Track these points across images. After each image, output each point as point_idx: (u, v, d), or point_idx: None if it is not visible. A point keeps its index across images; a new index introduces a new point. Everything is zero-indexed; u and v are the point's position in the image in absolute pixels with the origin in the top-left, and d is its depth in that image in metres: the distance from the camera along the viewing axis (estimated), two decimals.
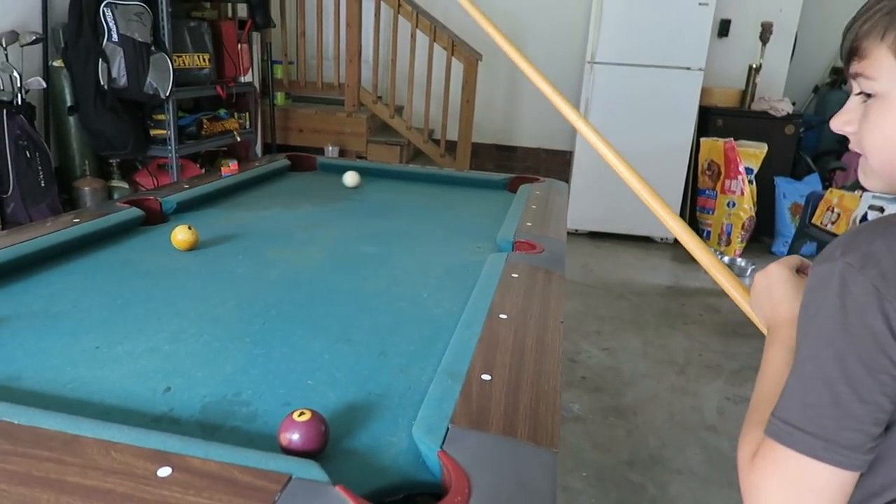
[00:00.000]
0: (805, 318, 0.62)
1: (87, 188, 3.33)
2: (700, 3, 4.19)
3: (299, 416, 0.77)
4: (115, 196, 3.47)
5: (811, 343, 0.60)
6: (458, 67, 4.43)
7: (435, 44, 4.39)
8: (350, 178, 2.27)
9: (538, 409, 0.85)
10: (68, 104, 3.24)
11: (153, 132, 3.52)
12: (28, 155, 2.97)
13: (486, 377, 0.91)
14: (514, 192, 2.26)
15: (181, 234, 1.50)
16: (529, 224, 1.75)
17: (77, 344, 1.04)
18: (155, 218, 1.75)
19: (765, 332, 0.77)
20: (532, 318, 1.15)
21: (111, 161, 3.52)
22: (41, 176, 3.03)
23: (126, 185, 3.56)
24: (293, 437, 0.75)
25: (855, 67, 0.64)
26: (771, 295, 0.76)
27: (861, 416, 0.57)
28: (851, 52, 0.64)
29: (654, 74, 4.36)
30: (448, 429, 0.79)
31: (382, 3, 4.39)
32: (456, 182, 2.46)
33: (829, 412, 0.57)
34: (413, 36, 4.39)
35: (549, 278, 1.36)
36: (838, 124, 0.69)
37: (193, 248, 1.52)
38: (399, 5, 4.35)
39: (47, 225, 1.52)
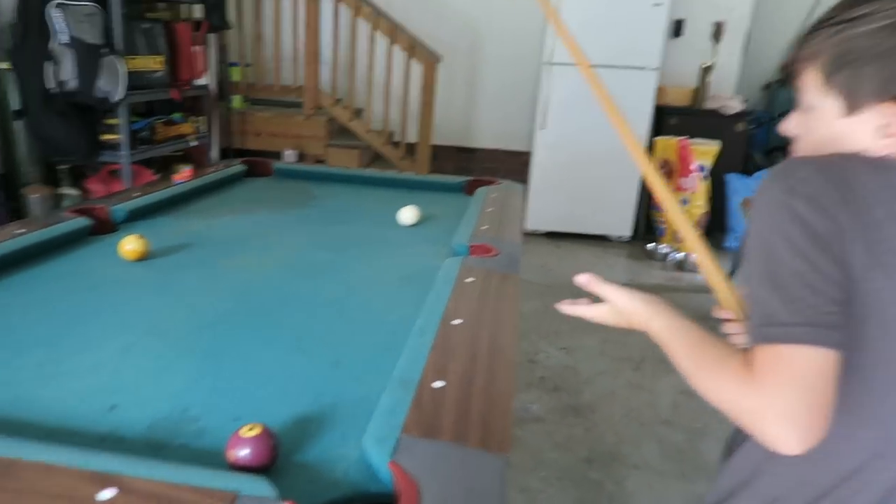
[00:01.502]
0: (759, 236, 0.69)
1: (35, 195, 3.23)
2: (654, 4, 4.28)
3: (248, 431, 0.76)
4: (65, 203, 3.37)
5: (771, 255, 0.66)
6: (417, 70, 4.43)
7: (394, 46, 4.38)
8: (408, 214, 1.91)
9: (490, 415, 0.86)
10: (15, 108, 3.14)
11: (105, 137, 3.43)
12: None
13: (438, 384, 0.92)
14: (471, 195, 2.27)
15: (130, 244, 1.47)
16: (485, 227, 1.76)
17: (19, 361, 1.01)
18: (104, 227, 1.71)
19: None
20: (486, 322, 1.16)
21: (61, 167, 3.42)
22: None
23: (76, 192, 3.46)
24: (241, 453, 0.74)
25: (796, 81, 0.76)
26: (628, 319, 0.88)
27: (833, 295, 0.64)
28: (792, 68, 0.76)
29: (610, 74, 4.42)
30: (399, 438, 0.79)
31: (341, 4, 4.36)
32: (413, 186, 2.46)
33: (810, 300, 0.63)
34: (372, 38, 4.37)
35: (504, 282, 1.38)
36: (785, 128, 0.81)
37: (144, 258, 1.49)
38: (358, 7, 4.32)
39: None
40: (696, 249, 0.93)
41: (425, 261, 1.59)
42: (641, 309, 0.84)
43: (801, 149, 0.78)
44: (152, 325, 1.17)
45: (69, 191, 3.43)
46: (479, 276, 1.38)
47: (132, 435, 0.84)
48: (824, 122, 0.73)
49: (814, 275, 0.64)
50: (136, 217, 1.81)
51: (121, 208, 1.78)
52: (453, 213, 2.03)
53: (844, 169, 0.68)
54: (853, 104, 0.70)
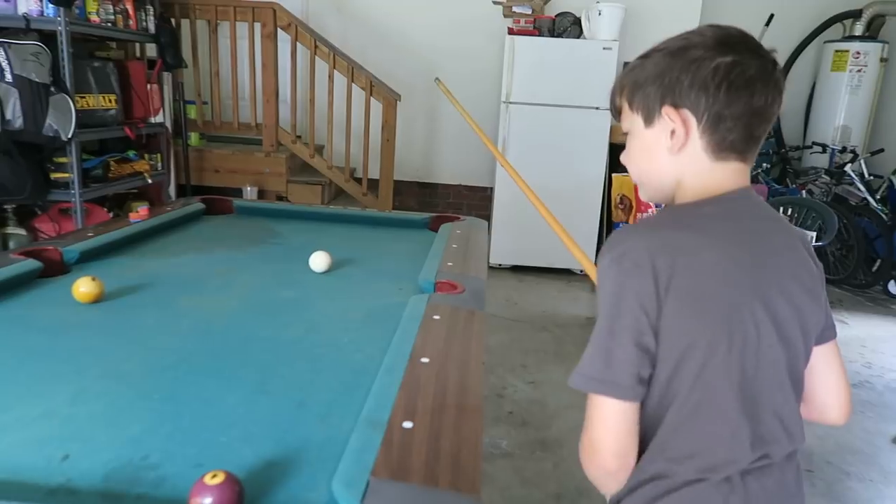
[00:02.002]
0: (602, 295, 0.83)
1: None
2: (604, 48, 4.44)
3: (211, 478, 0.73)
4: (12, 244, 3.25)
5: (608, 311, 0.81)
6: (377, 107, 4.47)
7: (353, 84, 4.42)
8: (319, 261, 1.78)
9: (460, 456, 0.85)
10: None
11: (54, 176, 3.33)
12: None
13: (407, 425, 0.90)
14: (435, 231, 2.28)
15: (84, 287, 1.42)
16: (450, 264, 1.76)
17: None
18: (55, 269, 1.65)
19: None
20: (454, 360, 1.15)
21: (6, 207, 3.30)
22: None
23: (24, 233, 3.34)
24: (205, 502, 0.71)
25: (618, 115, 0.94)
26: None
27: (644, 358, 0.80)
28: (612, 104, 0.95)
29: (565, 114, 4.56)
30: (369, 481, 0.77)
31: (298, 43, 4.39)
32: (377, 222, 2.45)
33: (624, 362, 0.79)
34: (331, 76, 4.40)
35: (471, 319, 1.38)
36: (622, 159, 0.95)
37: (98, 300, 1.44)
38: (315, 46, 4.36)
39: None
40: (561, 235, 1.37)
41: (390, 298, 1.58)
42: None
43: (629, 161, 0.94)
44: (107, 368, 1.13)
45: (16, 230, 3.30)
46: (445, 313, 1.37)
47: (86, 486, 0.79)
48: (638, 137, 0.90)
49: (635, 334, 0.79)
50: (90, 258, 1.75)
51: (72, 249, 1.72)
52: (418, 249, 2.03)
53: (662, 229, 0.85)
54: (648, 116, 0.88)
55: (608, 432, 0.81)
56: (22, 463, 0.83)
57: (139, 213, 2.12)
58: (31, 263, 1.57)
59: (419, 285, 1.64)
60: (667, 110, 0.85)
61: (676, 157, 0.86)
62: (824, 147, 5.31)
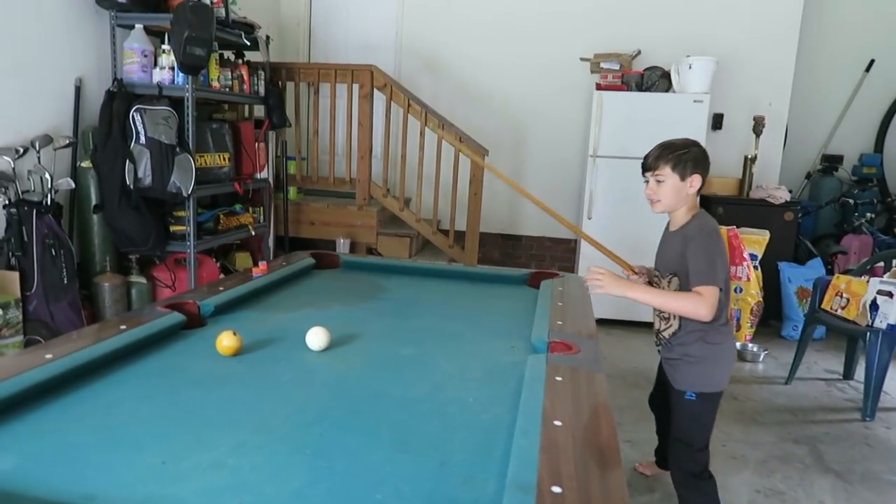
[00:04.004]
0: (704, 246, 1.87)
1: (106, 283, 3.38)
2: (695, 101, 4.43)
3: None
4: (134, 292, 3.51)
5: (709, 252, 1.86)
6: (465, 161, 4.60)
7: (443, 140, 4.58)
8: (316, 338, 1.63)
9: None
10: (94, 203, 3.34)
11: (173, 228, 3.61)
12: (53, 253, 3.03)
13: (556, 489, 0.93)
14: (534, 288, 2.31)
15: (227, 341, 1.53)
16: (560, 323, 1.79)
17: (142, 458, 1.06)
18: (194, 322, 1.79)
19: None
20: (586, 424, 1.17)
21: (130, 256, 3.58)
22: (64, 273, 3.08)
23: (144, 280, 3.60)
24: None
25: (653, 172, 1.95)
26: (620, 284, 1.93)
27: (725, 270, 1.93)
28: (651, 165, 1.96)
29: None
30: None
31: (392, 102, 4.62)
32: (475, 278, 2.51)
33: (719, 271, 1.85)
34: (422, 133, 4.58)
35: (591, 380, 1.39)
36: (648, 194, 2.00)
37: (238, 353, 1.55)
38: (409, 105, 4.57)
39: (95, 333, 1.56)
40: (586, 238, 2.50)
41: (505, 356, 1.62)
42: (621, 292, 1.93)
43: (661, 196, 1.96)
44: (259, 421, 1.21)
45: (138, 279, 3.58)
46: (566, 375, 1.40)
47: None
48: (672, 185, 1.93)
49: (722, 264, 1.88)
50: (221, 311, 1.89)
51: (208, 303, 1.86)
52: (520, 307, 2.07)
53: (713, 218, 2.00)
54: (683, 176, 1.92)
55: (715, 300, 1.82)
56: None
57: (260, 268, 2.27)
58: (177, 316, 1.72)
59: (532, 344, 1.67)
60: (694, 175, 1.92)
61: (689, 196, 1.95)
62: None
